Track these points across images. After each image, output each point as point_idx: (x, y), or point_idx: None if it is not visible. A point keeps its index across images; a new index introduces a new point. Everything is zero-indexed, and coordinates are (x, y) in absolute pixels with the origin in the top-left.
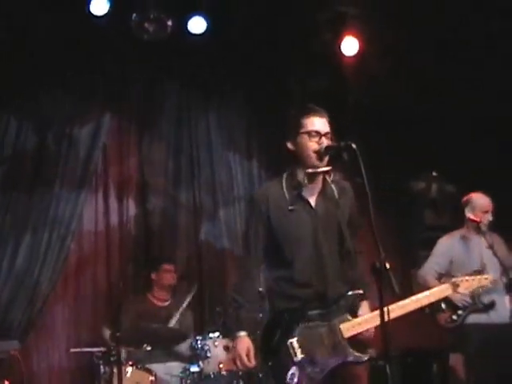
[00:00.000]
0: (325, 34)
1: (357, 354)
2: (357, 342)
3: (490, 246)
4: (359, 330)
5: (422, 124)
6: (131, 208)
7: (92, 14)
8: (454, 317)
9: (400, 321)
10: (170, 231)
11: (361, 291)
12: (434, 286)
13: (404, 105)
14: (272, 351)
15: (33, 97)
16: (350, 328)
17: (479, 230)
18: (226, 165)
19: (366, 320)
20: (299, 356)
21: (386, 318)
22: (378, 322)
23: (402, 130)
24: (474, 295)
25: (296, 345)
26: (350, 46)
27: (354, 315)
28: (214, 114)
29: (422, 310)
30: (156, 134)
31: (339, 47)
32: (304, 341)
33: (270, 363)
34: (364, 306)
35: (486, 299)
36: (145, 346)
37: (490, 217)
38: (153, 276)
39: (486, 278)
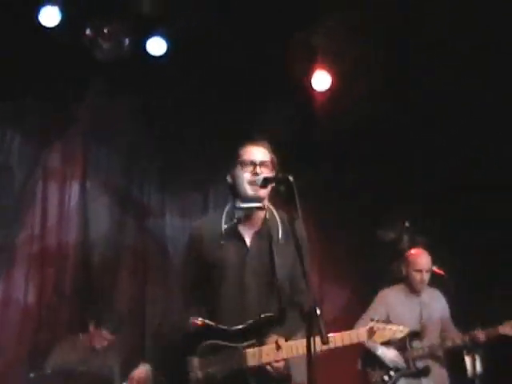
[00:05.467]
0: (294, 67)
1: None
2: (263, 373)
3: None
4: (264, 361)
5: (396, 167)
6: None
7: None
8: (385, 377)
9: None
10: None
11: (269, 314)
12: (376, 348)
13: (377, 144)
14: (170, 367)
15: None
16: (255, 355)
17: (415, 289)
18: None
19: (273, 350)
20: (199, 375)
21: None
22: (284, 355)
23: (372, 171)
24: (409, 358)
25: (196, 364)
26: (321, 80)
27: (263, 343)
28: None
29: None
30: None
31: (310, 81)
32: (205, 361)
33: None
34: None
35: (420, 364)
36: None
37: (425, 276)
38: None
39: (402, 331)
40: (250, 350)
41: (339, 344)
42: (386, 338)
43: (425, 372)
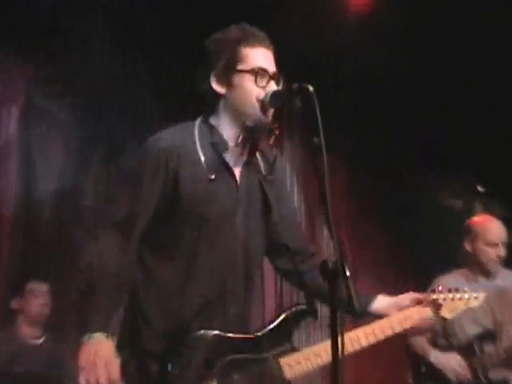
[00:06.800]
0: None
1: None
2: None
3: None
4: (307, 369)
5: (458, 110)
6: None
7: None
8: None
9: None
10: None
11: (302, 306)
12: (430, 353)
13: (434, 79)
14: None
15: None
16: (293, 364)
17: (487, 271)
18: None
19: (315, 353)
20: None
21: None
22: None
23: (428, 116)
24: (479, 367)
25: None
26: None
27: (294, 347)
28: None
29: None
30: None
31: None
32: None
33: None
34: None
35: (495, 375)
36: None
37: (501, 251)
38: (14, 303)
39: (476, 298)
40: (284, 359)
41: (397, 329)
42: (457, 311)
43: None
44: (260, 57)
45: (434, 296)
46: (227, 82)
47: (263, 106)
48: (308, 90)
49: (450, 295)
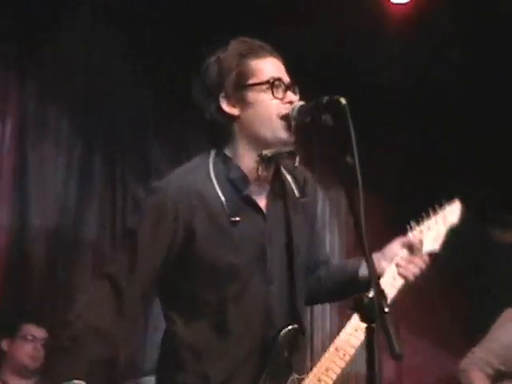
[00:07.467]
0: None
1: None
2: None
3: None
4: None
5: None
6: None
7: None
8: None
9: None
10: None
11: (293, 327)
12: None
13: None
14: None
15: None
16: None
17: None
18: None
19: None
20: None
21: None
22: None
23: (470, 132)
24: None
25: None
26: None
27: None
28: None
29: None
30: None
31: None
32: None
33: None
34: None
35: None
36: None
37: None
38: (3, 345)
39: (452, 211)
40: None
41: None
42: (441, 236)
43: None
44: (271, 67)
45: (415, 233)
46: (240, 100)
47: (288, 121)
48: (340, 102)
49: (425, 224)
